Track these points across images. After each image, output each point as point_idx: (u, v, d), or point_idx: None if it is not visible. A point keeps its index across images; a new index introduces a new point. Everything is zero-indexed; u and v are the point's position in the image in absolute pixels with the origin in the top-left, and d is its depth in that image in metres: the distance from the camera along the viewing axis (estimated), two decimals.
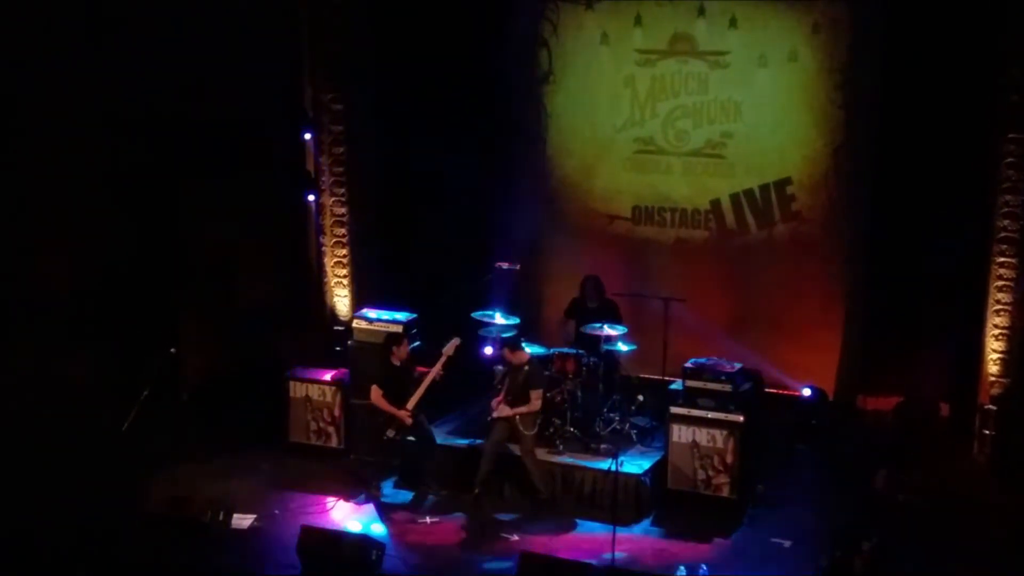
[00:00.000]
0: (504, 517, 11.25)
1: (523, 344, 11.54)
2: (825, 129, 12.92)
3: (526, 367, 11.40)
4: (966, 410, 12.08)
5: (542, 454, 11.60)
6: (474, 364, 12.32)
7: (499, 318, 12.30)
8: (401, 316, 12.48)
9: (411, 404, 11.41)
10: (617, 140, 13.77)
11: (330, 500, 11.49)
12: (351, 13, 13.33)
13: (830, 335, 13.06)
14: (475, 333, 12.36)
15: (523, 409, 11.28)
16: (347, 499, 11.55)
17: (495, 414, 11.40)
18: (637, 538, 10.84)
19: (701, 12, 13.12)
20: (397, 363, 11.54)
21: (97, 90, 12.86)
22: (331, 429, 12.57)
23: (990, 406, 11.72)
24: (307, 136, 13.63)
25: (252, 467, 12.23)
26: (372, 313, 12.67)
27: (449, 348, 11.46)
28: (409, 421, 11.41)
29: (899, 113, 12.20)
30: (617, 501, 10.73)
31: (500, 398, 11.43)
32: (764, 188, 13.29)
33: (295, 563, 10.02)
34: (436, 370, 11.42)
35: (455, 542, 10.86)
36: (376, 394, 11.46)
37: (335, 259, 13.79)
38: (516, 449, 11.43)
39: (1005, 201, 11.59)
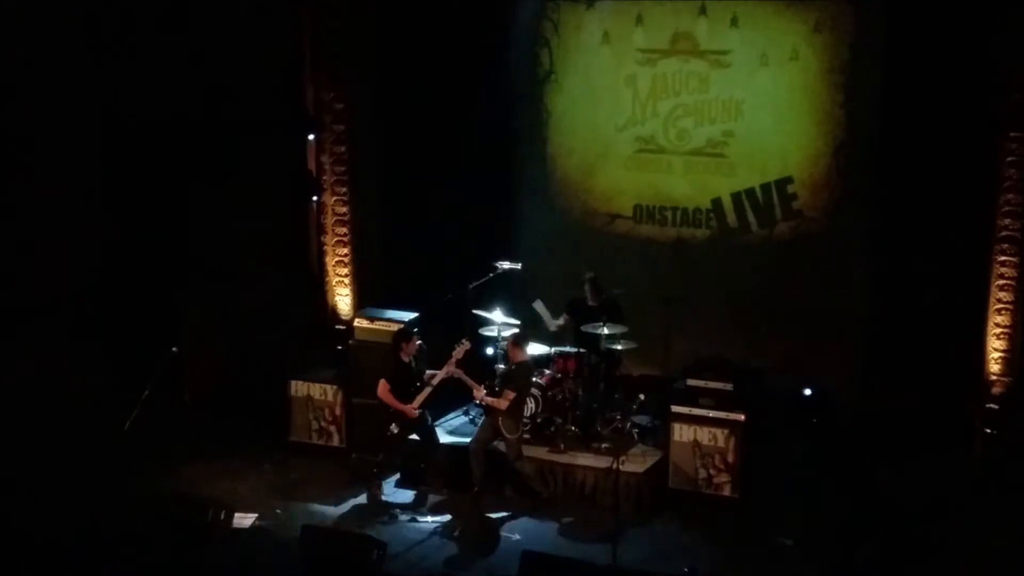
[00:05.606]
0: (506, 516, 11.26)
1: (526, 345, 11.52)
2: (826, 128, 12.92)
3: (514, 367, 11.40)
4: (968, 409, 12.07)
5: (543, 453, 11.63)
6: (476, 364, 12.31)
7: (500, 317, 12.30)
8: (403, 315, 12.48)
9: (417, 403, 11.43)
10: (618, 139, 13.77)
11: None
12: (352, 13, 13.33)
13: (831, 334, 13.04)
14: (476, 332, 12.38)
15: (491, 400, 11.26)
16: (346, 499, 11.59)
17: (475, 399, 11.51)
18: (638, 537, 10.85)
19: (702, 11, 13.12)
20: (406, 359, 11.55)
21: (100, 91, 12.88)
22: (332, 428, 12.58)
23: (992, 405, 11.72)
24: (309, 136, 13.64)
25: (254, 467, 12.25)
26: (374, 312, 12.66)
27: (459, 352, 11.45)
28: (414, 414, 11.43)
29: (900, 112, 12.20)
30: (618, 500, 10.74)
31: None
32: (765, 187, 13.29)
33: (296, 563, 10.02)
34: (445, 372, 11.43)
35: (457, 541, 10.88)
36: (383, 388, 11.46)
37: (337, 258, 13.80)
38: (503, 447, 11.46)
39: (1007, 200, 11.57)
